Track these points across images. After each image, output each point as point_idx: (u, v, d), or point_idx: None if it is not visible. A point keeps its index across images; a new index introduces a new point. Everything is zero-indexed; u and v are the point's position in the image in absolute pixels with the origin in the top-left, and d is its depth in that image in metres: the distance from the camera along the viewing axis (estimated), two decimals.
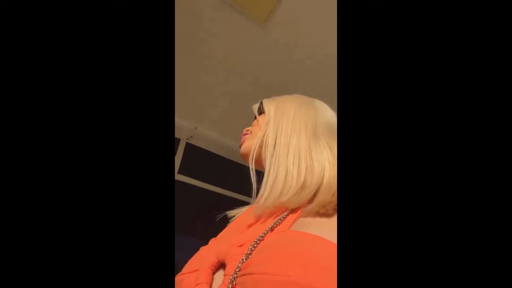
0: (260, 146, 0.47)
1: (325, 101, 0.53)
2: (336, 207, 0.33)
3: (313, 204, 0.33)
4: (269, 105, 0.51)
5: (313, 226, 0.31)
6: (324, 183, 0.37)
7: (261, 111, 0.53)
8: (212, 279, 0.32)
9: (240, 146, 0.54)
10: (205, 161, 2.40)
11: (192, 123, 2.32)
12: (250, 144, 0.50)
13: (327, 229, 0.30)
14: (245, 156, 0.51)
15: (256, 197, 0.51)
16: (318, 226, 0.31)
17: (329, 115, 0.50)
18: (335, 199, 0.33)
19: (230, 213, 0.52)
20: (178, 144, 2.40)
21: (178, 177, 2.29)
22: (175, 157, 2.33)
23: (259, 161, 0.47)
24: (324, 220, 0.32)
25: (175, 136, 2.38)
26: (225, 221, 0.51)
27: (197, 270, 0.33)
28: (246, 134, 0.54)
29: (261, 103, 0.54)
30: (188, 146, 2.42)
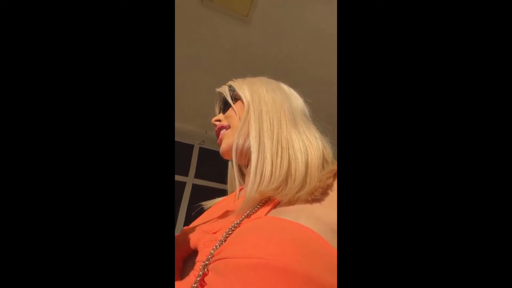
0: (244, 139, 0.44)
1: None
2: (323, 191, 0.33)
3: (302, 193, 0.33)
4: (243, 90, 0.48)
5: (291, 213, 0.31)
6: (308, 172, 0.36)
7: (234, 97, 0.49)
8: (183, 267, 0.32)
9: (218, 144, 0.50)
10: (219, 163, 2.44)
11: (201, 128, 2.38)
12: (232, 140, 0.46)
13: (303, 215, 0.30)
14: (227, 153, 0.48)
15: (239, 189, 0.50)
16: (295, 213, 0.31)
17: (299, 102, 0.49)
18: (321, 183, 0.34)
19: (205, 204, 0.51)
20: (192, 150, 2.47)
21: (196, 181, 2.36)
22: (191, 163, 2.41)
23: (241, 154, 0.45)
24: (302, 207, 0.32)
25: (188, 142, 2.46)
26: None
27: None
28: (222, 127, 0.50)
29: (232, 88, 0.50)
30: (202, 150, 2.48)
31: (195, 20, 1.47)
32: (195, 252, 0.33)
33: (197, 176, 2.37)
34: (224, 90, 0.52)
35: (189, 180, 2.35)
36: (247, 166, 0.46)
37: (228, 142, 0.47)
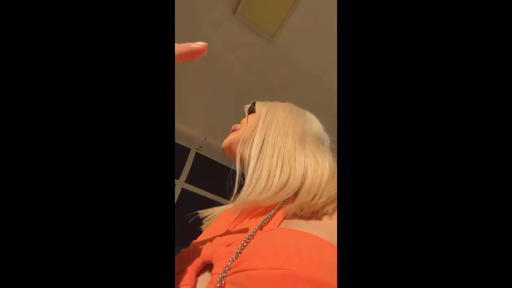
0: (244, 142, 0.47)
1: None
2: (314, 212, 0.33)
3: (293, 205, 0.34)
4: (261, 107, 0.53)
5: (303, 225, 0.32)
6: (304, 186, 0.37)
7: (251, 111, 0.54)
8: (196, 280, 0.32)
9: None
10: (213, 172, 2.42)
11: (202, 134, 2.37)
12: (233, 137, 0.51)
13: (316, 227, 0.30)
14: (225, 149, 0.52)
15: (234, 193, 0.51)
16: (306, 225, 0.31)
17: (316, 127, 0.51)
18: (313, 204, 0.33)
19: (202, 213, 0.52)
20: (188, 154, 2.44)
21: (186, 186, 2.32)
22: (184, 166, 2.37)
23: (242, 160, 0.47)
24: (311, 221, 0.32)
25: (186, 146, 2.43)
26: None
27: (179, 272, 0.32)
28: (234, 130, 0.54)
29: (253, 103, 0.55)
30: (198, 156, 2.46)
31: (224, 28, 1.50)
32: (208, 266, 0.32)
33: (188, 181, 2.33)
34: (247, 105, 0.57)
35: (179, 183, 2.31)
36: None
37: (230, 137, 0.52)
